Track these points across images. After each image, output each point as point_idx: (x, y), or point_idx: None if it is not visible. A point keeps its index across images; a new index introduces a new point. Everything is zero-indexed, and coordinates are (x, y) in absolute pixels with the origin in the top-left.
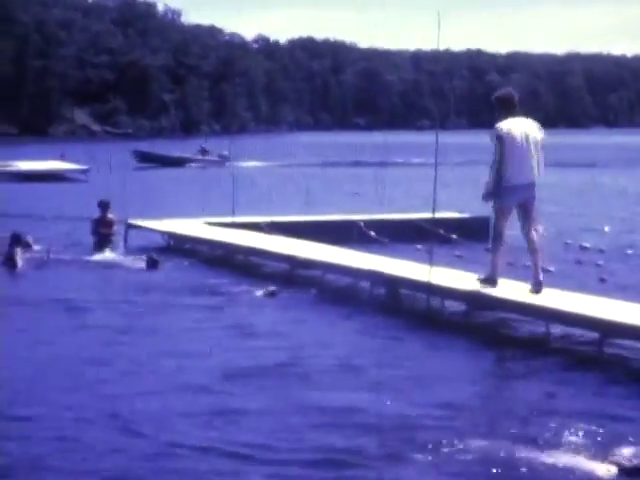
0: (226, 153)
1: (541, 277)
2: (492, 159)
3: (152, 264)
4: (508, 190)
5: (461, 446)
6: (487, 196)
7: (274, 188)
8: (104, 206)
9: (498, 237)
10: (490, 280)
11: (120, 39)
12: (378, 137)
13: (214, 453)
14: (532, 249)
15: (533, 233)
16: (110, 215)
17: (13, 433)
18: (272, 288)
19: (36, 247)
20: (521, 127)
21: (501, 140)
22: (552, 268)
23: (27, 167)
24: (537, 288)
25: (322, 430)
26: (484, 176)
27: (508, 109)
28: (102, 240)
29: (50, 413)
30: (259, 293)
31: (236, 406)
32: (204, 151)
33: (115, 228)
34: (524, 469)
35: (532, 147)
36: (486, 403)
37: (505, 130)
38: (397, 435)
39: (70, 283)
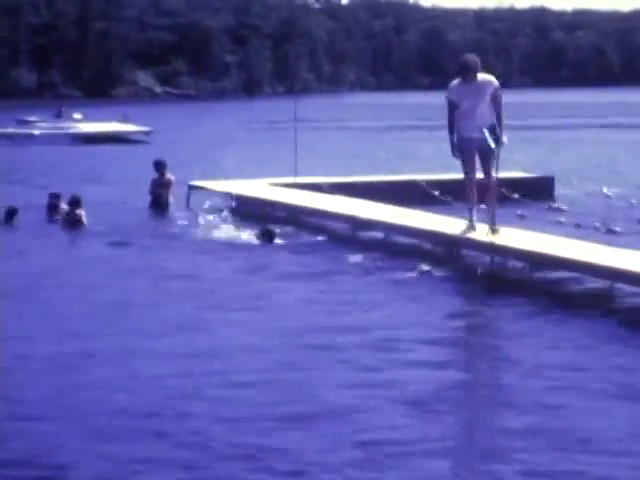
0: (79, 116)
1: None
2: (495, 112)
3: (268, 237)
4: None
5: None
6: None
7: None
8: (160, 166)
9: None
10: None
11: (181, 0)
12: (441, 97)
13: None
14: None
15: None
16: (169, 175)
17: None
18: (426, 267)
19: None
20: None
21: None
22: (617, 228)
23: (89, 129)
24: None
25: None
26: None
27: None
28: (157, 200)
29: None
30: (412, 274)
31: None
32: (60, 114)
33: (172, 189)
34: None
35: None
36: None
37: None
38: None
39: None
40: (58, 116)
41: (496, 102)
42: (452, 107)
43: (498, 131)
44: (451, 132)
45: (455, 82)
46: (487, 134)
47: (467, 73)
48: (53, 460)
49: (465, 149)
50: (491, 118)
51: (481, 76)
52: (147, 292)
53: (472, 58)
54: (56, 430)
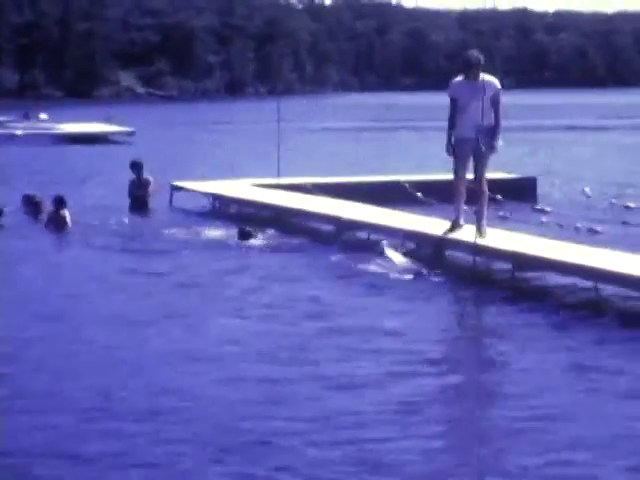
0: (45, 117)
1: None
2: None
3: (245, 236)
4: None
5: None
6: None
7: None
8: (136, 167)
9: None
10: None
11: (165, 0)
12: (424, 98)
13: None
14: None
15: None
16: (146, 176)
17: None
18: (410, 267)
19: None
20: None
21: None
22: (599, 228)
23: (72, 129)
24: None
25: None
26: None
27: None
28: (137, 201)
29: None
30: (396, 274)
31: None
32: (27, 115)
33: (151, 189)
34: None
35: None
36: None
37: None
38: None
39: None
40: (26, 117)
41: (496, 105)
42: (453, 104)
43: (494, 135)
44: (450, 129)
45: (457, 79)
46: (481, 137)
47: (470, 69)
48: None
49: (459, 149)
50: (488, 120)
51: (484, 76)
52: (125, 292)
53: (475, 55)
54: None
